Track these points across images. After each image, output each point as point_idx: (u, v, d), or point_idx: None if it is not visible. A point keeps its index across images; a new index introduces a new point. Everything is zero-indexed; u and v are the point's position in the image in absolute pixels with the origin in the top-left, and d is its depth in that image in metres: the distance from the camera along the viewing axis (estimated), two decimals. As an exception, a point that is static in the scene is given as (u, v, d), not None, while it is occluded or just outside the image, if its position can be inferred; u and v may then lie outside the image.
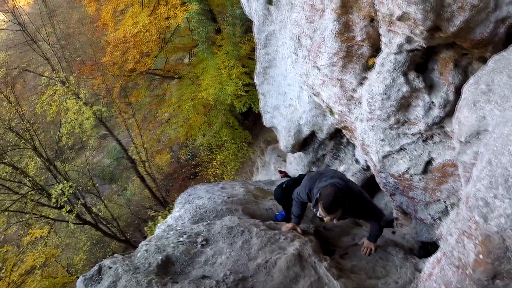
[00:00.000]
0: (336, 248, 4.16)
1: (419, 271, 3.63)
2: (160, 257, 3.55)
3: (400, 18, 2.81)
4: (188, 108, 16.44)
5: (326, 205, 3.69)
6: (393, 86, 3.29)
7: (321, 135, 6.60)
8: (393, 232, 4.89)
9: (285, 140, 7.05)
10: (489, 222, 2.09)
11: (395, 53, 3.13)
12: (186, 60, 19.43)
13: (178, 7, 14.14)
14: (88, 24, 20.47)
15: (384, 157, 3.88)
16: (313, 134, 6.77)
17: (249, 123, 18.82)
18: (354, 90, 3.84)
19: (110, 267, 3.41)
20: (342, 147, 6.81)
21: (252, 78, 8.11)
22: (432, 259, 2.99)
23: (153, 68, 17.89)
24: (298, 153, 7.55)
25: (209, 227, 3.98)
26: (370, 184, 6.37)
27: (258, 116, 8.53)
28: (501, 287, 2.16)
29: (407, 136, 3.62)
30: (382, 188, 4.74)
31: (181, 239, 3.82)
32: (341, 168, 6.84)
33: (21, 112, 14.60)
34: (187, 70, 17.63)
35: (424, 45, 2.93)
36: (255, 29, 6.64)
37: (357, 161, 6.55)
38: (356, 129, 4.17)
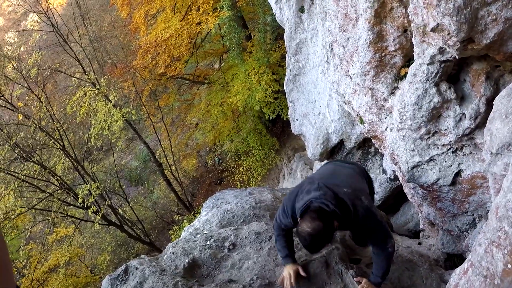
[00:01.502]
0: (362, 257, 4.08)
1: (445, 282, 3.58)
2: (186, 260, 3.58)
3: (434, 29, 2.79)
4: (217, 113, 16.53)
5: (305, 246, 2.97)
6: (425, 96, 3.27)
7: (349, 144, 6.58)
8: (419, 243, 4.81)
9: (313, 148, 7.03)
10: None
11: (428, 64, 3.12)
12: (216, 66, 19.57)
13: (210, 13, 14.25)
14: (120, 27, 20.84)
15: (414, 167, 3.84)
16: (341, 143, 6.73)
17: (277, 130, 18.84)
18: (385, 100, 3.83)
19: (136, 268, 3.46)
20: (369, 156, 6.75)
21: (281, 85, 8.15)
22: (458, 269, 2.99)
23: (183, 72, 18.08)
24: (325, 161, 7.55)
25: (236, 232, 3.99)
26: (397, 195, 6.28)
27: (286, 123, 8.56)
28: None
29: (437, 147, 3.57)
30: (410, 199, 4.69)
31: (208, 242, 3.84)
32: None
33: (52, 112, 14.82)
34: (217, 75, 17.76)
35: (456, 56, 2.91)
36: (286, 37, 6.67)
37: (384, 171, 6.45)
38: (385, 139, 4.14)
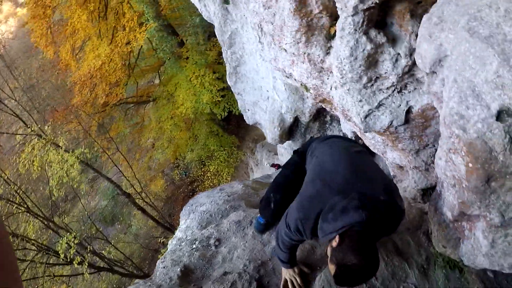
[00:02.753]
0: None
1: (426, 213, 3.77)
2: (178, 269, 3.62)
3: None
4: (169, 127, 16.41)
5: (339, 282, 2.44)
6: (357, 47, 3.35)
7: (304, 119, 6.60)
8: None
9: (271, 133, 7.06)
10: (468, 131, 2.30)
11: (352, 15, 3.20)
12: (157, 81, 19.42)
13: (136, 29, 14.01)
14: (50, 69, 20.34)
15: (366, 116, 3.90)
16: (297, 120, 6.79)
17: (233, 127, 18.89)
18: (323, 61, 3.89)
19: (134, 293, 3.45)
20: (327, 125, 6.79)
21: (225, 82, 8.15)
22: (433, 195, 3.13)
23: (125, 97, 17.77)
24: (287, 142, 7.55)
25: (218, 228, 4.08)
26: None
27: (240, 117, 8.57)
28: (498, 188, 2.35)
29: (383, 91, 3.66)
30: (373, 150, 4.79)
31: (194, 246, 3.90)
32: None
33: (5, 177, 14.45)
34: (159, 90, 17.54)
35: (376, 0, 3.01)
36: (217, 32, 6.63)
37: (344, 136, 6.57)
38: (333, 98, 4.21)
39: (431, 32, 2.57)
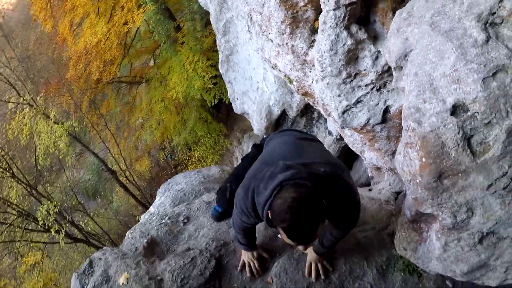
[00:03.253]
0: None
1: (395, 216, 3.79)
2: (145, 240, 3.73)
3: None
4: (159, 110, 16.41)
5: (292, 235, 2.28)
6: (338, 41, 3.41)
7: (291, 113, 6.68)
8: (370, 190, 4.96)
9: (258, 124, 7.12)
10: (423, 124, 2.34)
11: (334, 9, 3.27)
12: (151, 63, 19.39)
13: (134, 10, 14.00)
14: (47, 42, 20.25)
15: (344, 112, 3.94)
16: (284, 114, 6.85)
17: (223, 115, 18.87)
18: (306, 54, 3.95)
19: (100, 258, 3.57)
20: (314, 122, 6.86)
21: (218, 70, 8.19)
22: (400, 195, 3.18)
23: (119, 76, 17.81)
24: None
25: (189, 206, 4.18)
26: (347, 154, 6.44)
27: (230, 107, 8.62)
28: (450, 186, 2.36)
29: (361, 88, 3.70)
30: (352, 148, 4.84)
31: (163, 221, 4.01)
32: None
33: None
34: (153, 72, 17.55)
35: None
36: (212, 19, 6.69)
37: (330, 133, 6.60)
38: (314, 92, 4.27)
39: (399, 27, 2.63)
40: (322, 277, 3.24)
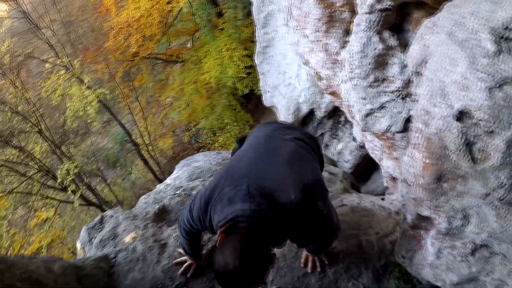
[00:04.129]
0: None
1: (400, 225, 3.80)
2: (157, 207, 3.89)
3: None
4: (190, 91, 16.60)
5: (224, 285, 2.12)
6: (369, 44, 3.46)
7: (319, 114, 6.66)
8: (382, 199, 4.94)
9: (284, 119, 7.10)
10: (430, 126, 2.42)
11: (368, 13, 3.33)
12: (189, 45, 19.58)
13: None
14: (91, 10, 20.58)
15: (367, 115, 3.95)
16: (312, 113, 6.84)
17: (252, 106, 18.93)
18: (338, 53, 4.00)
19: (111, 216, 3.75)
20: (340, 126, 6.83)
21: (253, 61, 8.26)
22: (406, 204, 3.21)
23: (156, 52, 18.09)
24: None
25: (203, 183, 4.32)
26: (368, 163, 6.40)
27: (260, 99, 8.69)
28: (449, 190, 2.42)
29: (387, 94, 3.72)
30: (371, 155, 4.84)
31: (177, 192, 4.15)
32: (339, 146, 6.88)
33: (27, 97, 14.91)
34: (189, 54, 17.76)
35: (391, 2, 3.14)
36: (254, 10, 6.75)
37: (354, 139, 6.54)
38: (341, 92, 4.31)
39: (423, 34, 2.68)
40: (318, 269, 3.23)
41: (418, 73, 2.78)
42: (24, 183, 14.55)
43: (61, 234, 15.87)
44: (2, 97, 14.73)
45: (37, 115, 15.04)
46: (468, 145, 2.27)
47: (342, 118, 6.68)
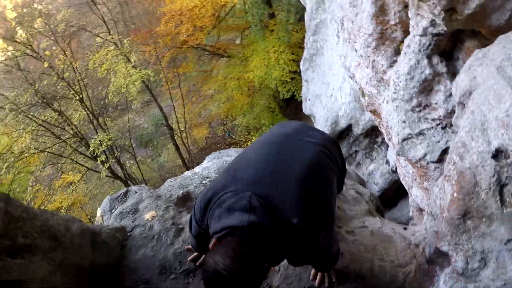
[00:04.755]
0: (343, 226, 4.08)
1: (417, 260, 3.77)
2: (181, 192, 3.94)
3: None
4: (233, 86, 16.74)
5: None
6: (417, 67, 3.38)
7: (357, 130, 6.61)
8: (405, 228, 4.76)
9: (318, 127, 7.10)
10: (464, 160, 2.32)
11: (421, 35, 3.24)
12: (238, 41, 19.74)
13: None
14: (146, -7, 21.00)
15: (404, 139, 3.85)
16: (349, 128, 6.81)
17: (290, 111, 18.92)
18: (384, 72, 3.95)
19: (135, 192, 3.83)
20: (375, 146, 6.80)
21: (299, 67, 8.27)
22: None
23: (204, 43, 18.31)
24: None
25: (231, 177, 4.30)
26: (397, 189, 6.39)
27: (300, 106, 8.68)
28: (472, 228, 2.32)
29: (428, 121, 3.63)
30: (402, 181, 4.77)
31: (204, 181, 4.19)
32: (371, 167, 6.88)
33: (74, 66, 15.32)
34: (237, 50, 17.95)
35: (445, 28, 3.09)
36: (306, 16, 6.77)
37: (387, 162, 6.56)
38: (382, 112, 4.26)
39: (471, 65, 2.59)
40: (326, 284, 3.09)
41: (461, 104, 2.71)
42: (58, 145, 15.10)
43: (82, 200, 16.24)
44: (52, 62, 15.14)
45: (81, 84, 15.44)
46: (500, 186, 2.17)
47: (379, 139, 6.61)
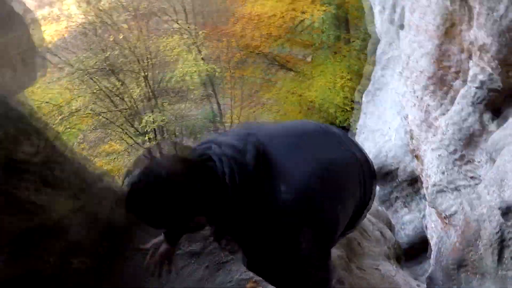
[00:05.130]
0: (356, 261, 4.02)
1: None
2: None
3: (480, 49, 2.97)
4: (292, 101, 16.79)
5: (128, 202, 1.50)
6: (466, 119, 3.31)
7: (402, 176, 6.41)
8: (418, 285, 4.54)
9: None
10: (474, 211, 2.33)
11: (477, 88, 3.22)
12: (308, 59, 19.73)
13: (317, 5, 14.50)
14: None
15: (438, 191, 3.79)
16: (395, 172, 6.66)
17: (341, 139, 18.67)
18: (436, 118, 3.90)
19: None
20: (417, 197, 6.53)
21: (361, 98, 8.18)
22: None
23: (275, 53, 18.44)
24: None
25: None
26: (423, 244, 6.13)
27: (351, 135, 8.57)
28: (463, 282, 2.31)
29: (466, 178, 3.53)
30: (427, 235, 4.73)
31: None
32: (406, 218, 6.62)
33: (147, 44, 15.86)
34: (305, 67, 17.90)
35: (501, 84, 3.07)
36: (379, 49, 6.74)
37: (424, 217, 6.24)
38: (424, 158, 4.24)
39: (510, 122, 2.64)
40: None
41: (492, 160, 2.71)
42: (113, 113, 15.73)
43: (121, 170, 16.65)
44: (127, 35, 15.72)
45: (149, 62, 15.96)
46: (501, 244, 2.12)
47: (422, 192, 6.44)
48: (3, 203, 1.95)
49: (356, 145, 2.14)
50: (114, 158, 15.82)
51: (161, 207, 1.45)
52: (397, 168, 6.50)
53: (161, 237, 2.16)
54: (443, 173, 3.78)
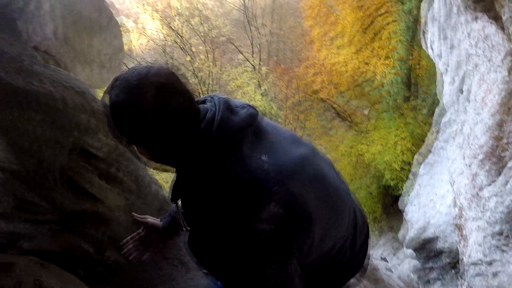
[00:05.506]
0: None
1: None
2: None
3: None
4: (343, 151, 16.52)
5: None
6: (510, 193, 3.25)
7: (441, 246, 6.15)
8: None
9: (403, 231, 6.86)
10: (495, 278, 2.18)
11: None
12: (366, 112, 19.63)
13: (382, 58, 14.45)
14: (298, 33, 21.70)
15: (473, 263, 3.70)
16: (435, 243, 6.42)
17: (387, 200, 18.04)
18: (481, 189, 3.75)
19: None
20: (452, 271, 6.33)
21: (416, 160, 7.96)
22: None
23: (333, 101, 18.46)
24: (410, 251, 7.21)
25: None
26: None
27: (396, 198, 8.31)
28: None
29: (504, 253, 3.39)
30: None
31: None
32: None
33: (210, 69, 16.38)
34: (362, 119, 17.89)
35: None
36: (444, 119, 6.55)
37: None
38: (464, 228, 4.10)
39: None
40: None
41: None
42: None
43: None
44: (193, 58, 16.26)
45: (209, 88, 16.52)
46: None
47: (461, 270, 6.19)
48: (61, 183, 2.09)
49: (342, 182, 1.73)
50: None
51: (120, 110, 1.32)
52: (436, 238, 6.25)
53: (153, 223, 2.28)
54: (480, 245, 3.63)
